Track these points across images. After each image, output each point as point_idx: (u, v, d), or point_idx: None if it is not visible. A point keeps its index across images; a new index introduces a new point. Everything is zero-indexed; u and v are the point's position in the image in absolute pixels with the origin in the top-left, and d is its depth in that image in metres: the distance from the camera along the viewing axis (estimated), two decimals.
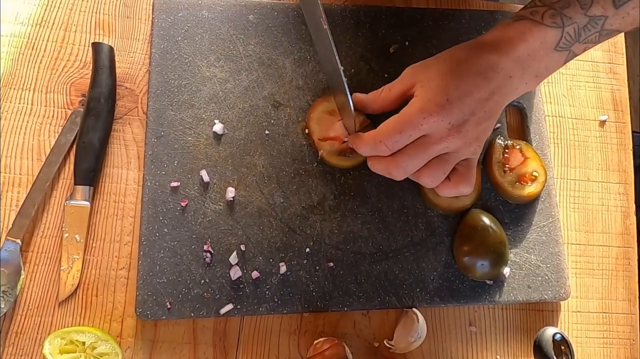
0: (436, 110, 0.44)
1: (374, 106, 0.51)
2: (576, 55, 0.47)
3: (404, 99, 0.48)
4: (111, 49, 0.53)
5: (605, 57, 0.65)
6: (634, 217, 0.60)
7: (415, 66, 0.48)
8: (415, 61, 0.48)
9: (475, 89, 0.44)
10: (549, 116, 0.62)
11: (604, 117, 0.63)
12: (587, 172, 0.61)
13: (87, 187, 0.51)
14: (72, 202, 0.51)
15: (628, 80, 0.65)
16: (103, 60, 0.52)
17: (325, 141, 0.53)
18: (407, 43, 0.58)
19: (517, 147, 0.56)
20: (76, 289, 0.50)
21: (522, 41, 0.45)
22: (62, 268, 0.50)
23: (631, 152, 0.62)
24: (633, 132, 0.64)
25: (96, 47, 0.53)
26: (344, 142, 0.53)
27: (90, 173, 0.51)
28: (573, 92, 0.63)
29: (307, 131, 0.54)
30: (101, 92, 0.51)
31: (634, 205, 0.61)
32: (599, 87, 0.64)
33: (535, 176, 0.55)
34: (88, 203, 0.51)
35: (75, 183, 0.51)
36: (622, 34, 0.66)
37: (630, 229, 0.60)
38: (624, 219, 0.60)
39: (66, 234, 0.50)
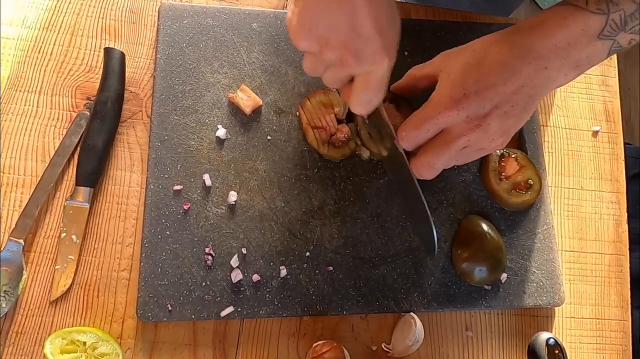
0: (450, 104, 0.43)
1: (402, 83, 0.51)
2: (621, 47, 0.44)
3: (429, 82, 0.48)
4: (122, 55, 0.54)
5: (597, 70, 0.67)
6: (626, 226, 0.62)
7: (446, 52, 0.48)
8: None
9: (500, 82, 0.43)
10: (543, 125, 0.63)
11: (596, 128, 0.64)
12: (580, 181, 0.62)
13: (88, 188, 0.51)
14: (71, 202, 0.51)
15: (620, 93, 0.67)
16: (114, 65, 0.53)
17: (313, 128, 0.55)
18: (405, 53, 0.60)
19: (513, 156, 0.58)
20: (69, 289, 0.50)
21: (561, 28, 0.42)
22: (56, 268, 0.50)
23: (623, 163, 0.64)
24: (625, 143, 0.66)
25: (108, 52, 0.53)
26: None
27: (91, 175, 0.51)
28: (567, 103, 0.65)
29: (298, 113, 0.56)
30: (109, 96, 0.52)
31: (626, 213, 0.62)
32: (592, 99, 0.66)
33: (531, 184, 0.57)
34: (87, 204, 0.51)
35: (77, 184, 0.51)
36: None
37: (622, 237, 0.61)
38: (616, 227, 0.62)
39: (63, 234, 0.50)
